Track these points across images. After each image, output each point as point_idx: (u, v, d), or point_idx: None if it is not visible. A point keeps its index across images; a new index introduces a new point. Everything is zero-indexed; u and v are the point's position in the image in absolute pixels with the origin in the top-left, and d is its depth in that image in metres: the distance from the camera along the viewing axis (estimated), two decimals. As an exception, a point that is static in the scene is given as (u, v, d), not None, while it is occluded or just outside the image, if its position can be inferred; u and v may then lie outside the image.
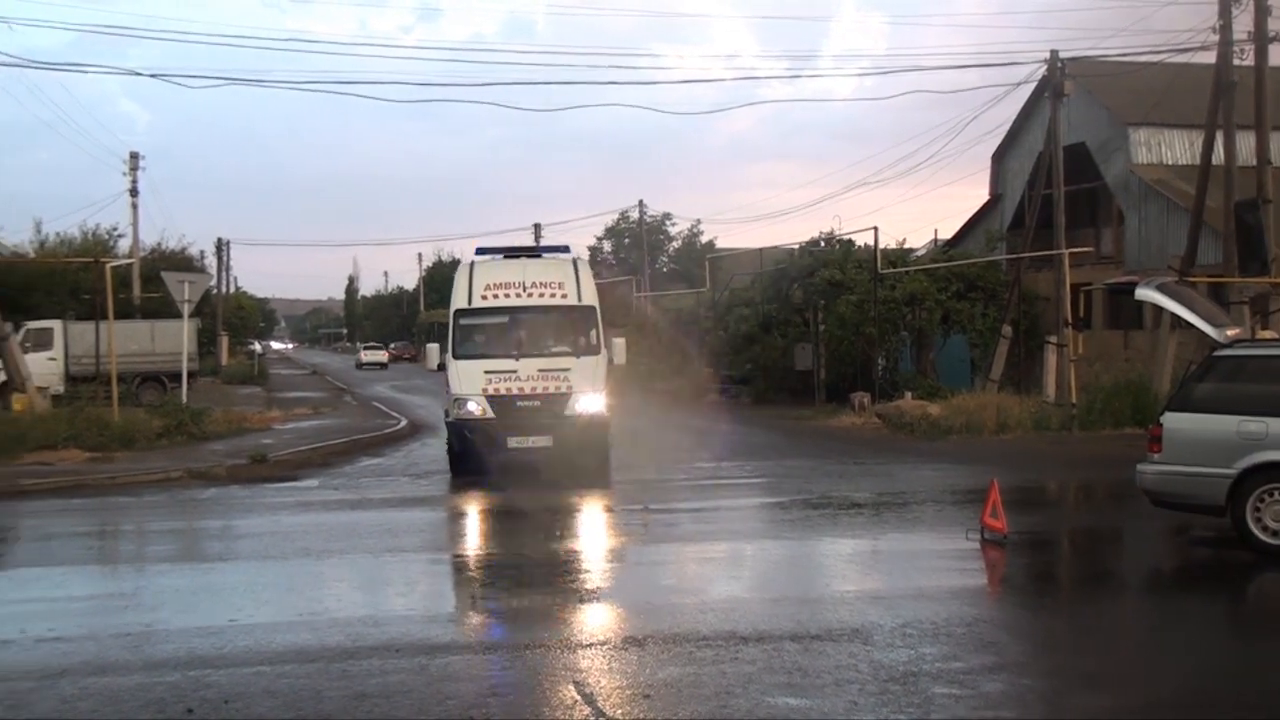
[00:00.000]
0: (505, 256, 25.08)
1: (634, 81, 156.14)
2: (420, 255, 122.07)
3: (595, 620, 11.55)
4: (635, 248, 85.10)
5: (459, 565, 14.68)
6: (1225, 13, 29.68)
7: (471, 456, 22.22)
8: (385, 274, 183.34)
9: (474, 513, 19.45)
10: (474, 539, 16.61)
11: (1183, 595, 13.52)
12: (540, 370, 22.40)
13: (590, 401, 22.42)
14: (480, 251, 25.27)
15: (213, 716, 8.16)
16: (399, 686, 8.91)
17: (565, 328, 23.62)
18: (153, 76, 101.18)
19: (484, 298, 23.33)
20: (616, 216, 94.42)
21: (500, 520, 18.04)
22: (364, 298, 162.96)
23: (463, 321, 23.43)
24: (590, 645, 10.38)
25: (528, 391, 22.22)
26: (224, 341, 70.89)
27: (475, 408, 22.10)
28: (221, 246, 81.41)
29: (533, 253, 26.18)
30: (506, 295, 23.34)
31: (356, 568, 14.14)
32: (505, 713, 8.50)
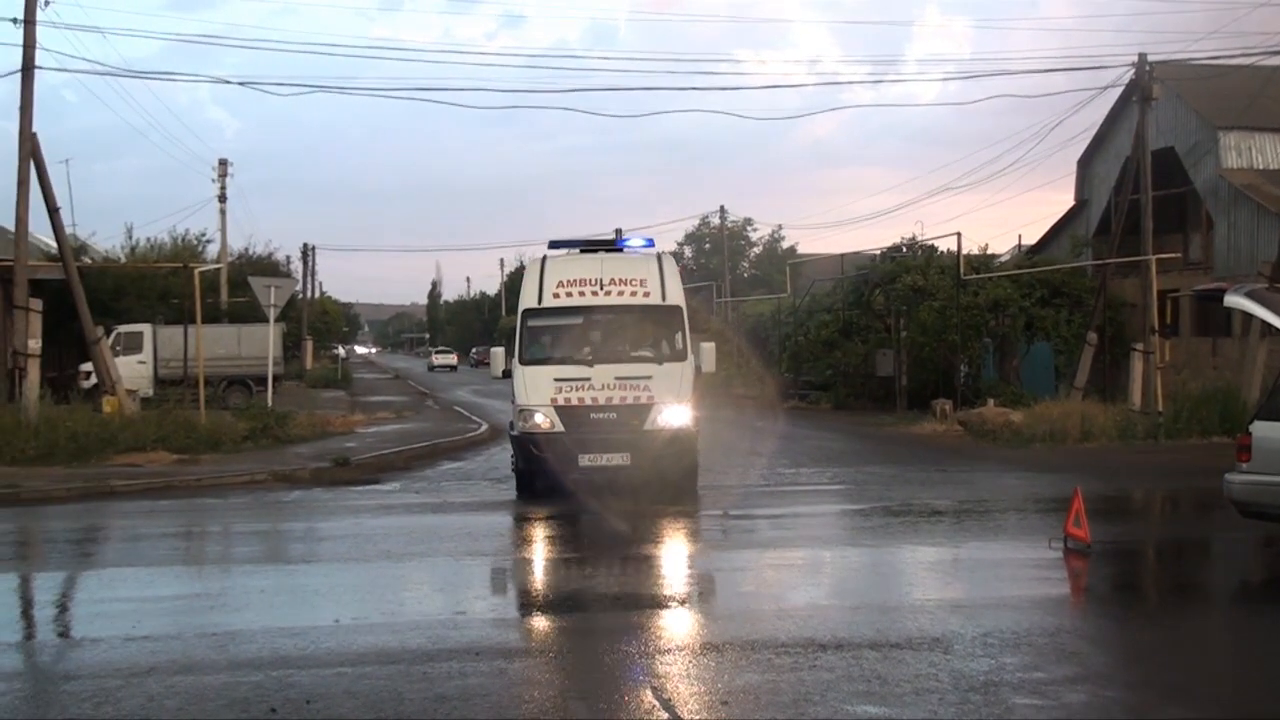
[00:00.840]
0: (581, 251, 21.94)
1: (715, 87, 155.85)
2: (502, 260, 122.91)
3: (673, 626, 11.54)
4: (716, 253, 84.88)
5: (538, 569, 14.71)
6: (1317, 16, 29.27)
7: (539, 475, 19.83)
8: (468, 279, 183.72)
9: (552, 518, 18.88)
10: (552, 544, 16.57)
11: (1273, 608, 13.33)
12: (618, 378, 19.48)
13: (674, 414, 19.45)
14: (554, 245, 22.15)
15: (295, 717, 8.22)
16: (478, 689, 8.95)
17: (647, 330, 20.69)
18: (241, 84, 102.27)
19: (555, 296, 20.42)
20: (698, 222, 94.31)
21: (578, 525, 17.91)
22: (446, 303, 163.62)
23: (531, 323, 20.55)
24: (668, 651, 10.38)
25: (602, 402, 19.35)
26: (308, 346, 71.35)
27: (543, 420, 19.28)
28: (307, 252, 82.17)
29: (612, 247, 22.82)
30: (581, 293, 20.43)
31: (437, 571, 14.22)
32: (583, 717, 8.52)
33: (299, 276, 75.17)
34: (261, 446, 27.43)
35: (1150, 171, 34.45)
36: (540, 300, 20.43)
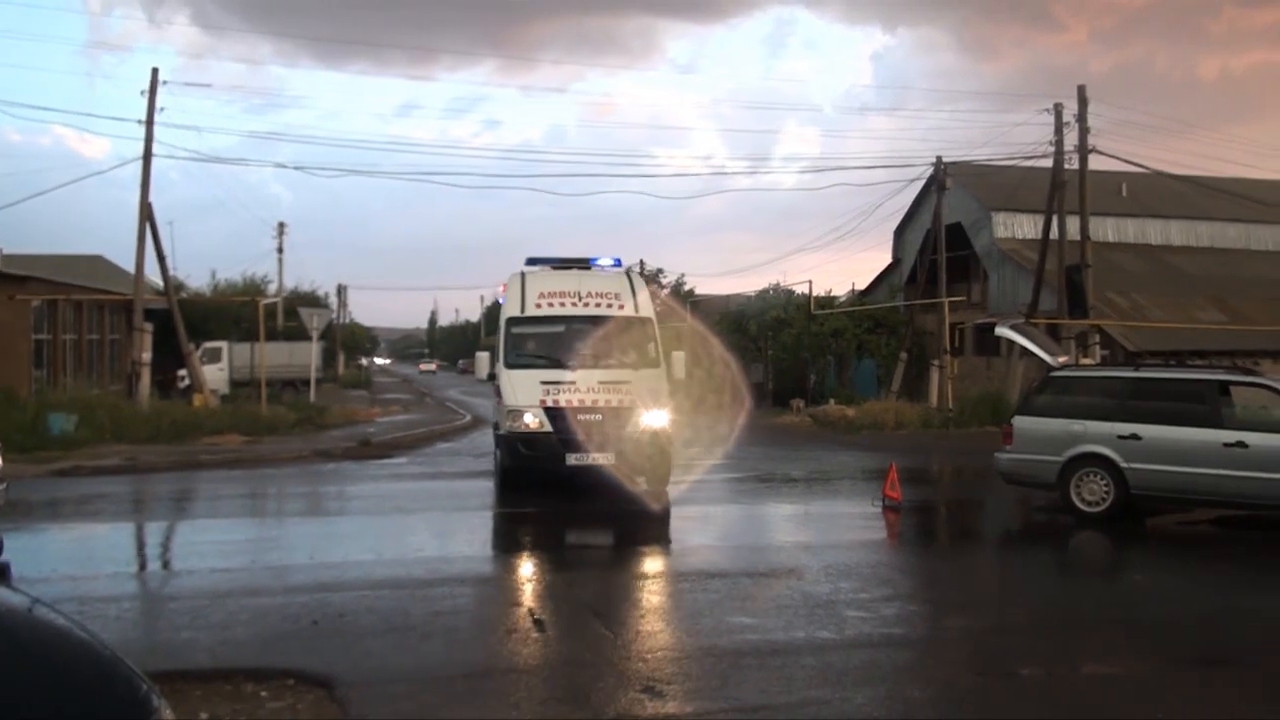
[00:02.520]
0: (555, 267, 17.77)
1: (639, 175, 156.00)
2: (482, 297, 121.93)
3: (608, 558, 11.59)
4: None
5: (509, 519, 14.59)
6: (1058, 131, 29.85)
7: (525, 473, 15.76)
8: (457, 310, 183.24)
9: (523, 483, 18.55)
10: (521, 500, 16.41)
11: (1026, 546, 13.56)
12: (601, 383, 15.61)
13: (655, 417, 15.57)
14: (531, 262, 17.97)
15: (331, 626, 8.18)
16: (464, 607, 8.97)
17: (623, 340, 16.58)
18: (295, 168, 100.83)
19: (538, 306, 16.43)
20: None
21: (543, 486, 17.91)
22: (441, 327, 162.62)
23: (515, 330, 16.40)
24: (602, 577, 10.41)
25: (589, 404, 15.35)
26: (340, 358, 70.89)
27: (532, 420, 15.24)
28: (341, 289, 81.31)
29: (584, 264, 18.32)
30: (561, 304, 16.48)
31: (434, 522, 14.12)
32: (539, 624, 8.54)
33: (334, 307, 74.22)
34: (306, 431, 27.08)
35: (944, 239, 34.93)
36: (524, 310, 16.44)
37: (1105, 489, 13.75)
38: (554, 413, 15.10)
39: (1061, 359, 17.42)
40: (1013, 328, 17.93)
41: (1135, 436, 13.59)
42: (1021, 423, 14.75)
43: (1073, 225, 30.79)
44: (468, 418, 34.07)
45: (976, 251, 42.75)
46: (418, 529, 13.49)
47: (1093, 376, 15.92)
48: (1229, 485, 12.94)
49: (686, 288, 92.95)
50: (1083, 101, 29.63)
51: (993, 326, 19.63)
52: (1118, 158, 31.08)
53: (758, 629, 8.36)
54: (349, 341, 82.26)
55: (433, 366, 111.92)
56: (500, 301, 17.48)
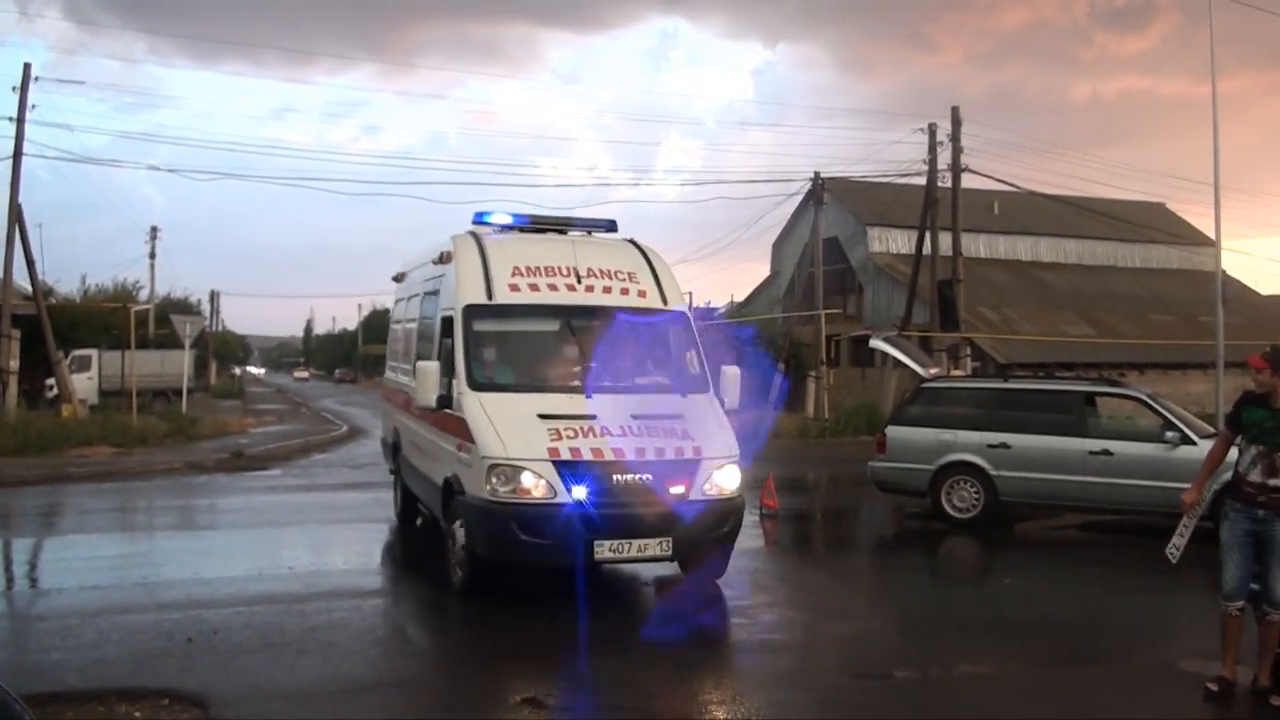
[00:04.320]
0: (525, 229, 11.25)
1: (522, 185, 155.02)
2: (360, 305, 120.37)
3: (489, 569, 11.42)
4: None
5: (384, 533, 14.30)
6: (932, 150, 30.72)
7: (514, 569, 9.25)
8: (334, 318, 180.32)
9: (397, 495, 18.15)
10: (392, 514, 16.13)
11: (900, 552, 13.84)
12: (636, 417, 9.35)
13: (728, 475, 9.46)
14: (483, 220, 11.07)
15: (206, 644, 7.93)
16: (341, 621, 8.71)
17: (653, 347, 10.64)
18: (169, 171, 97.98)
19: (514, 289, 10.13)
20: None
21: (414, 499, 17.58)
22: (317, 335, 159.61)
23: (480, 326, 10.05)
24: (480, 589, 10.27)
25: (630, 456, 9.00)
26: (213, 367, 69.13)
27: (535, 483, 8.87)
28: (214, 296, 79.50)
29: (564, 227, 11.50)
30: (552, 286, 10.21)
31: (309, 535, 13.72)
32: (416, 637, 8.44)
33: (207, 314, 72.61)
34: (178, 442, 26.20)
35: (822, 252, 35.58)
36: (490, 294, 10.04)
37: (975, 496, 14.15)
38: (574, 470, 8.81)
39: (933, 370, 17.92)
40: (886, 340, 18.42)
41: (1005, 445, 14.01)
42: (894, 432, 15.08)
43: (945, 241, 31.69)
44: (344, 428, 33.40)
45: (852, 265, 43.68)
46: (293, 543, 13.16)
47: (963, 388, 16.40)
48: (1095, 491, 13.43)
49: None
50: (956, 122, 30.52)
51: (868, 339, 20.09)
52: (990, 176, 32.16)
53: (645, 635, 8.40)
54: (221, 350, 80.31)
55: (306, 374, 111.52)
56: (428, 284, 11.66)
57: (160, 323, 47.58)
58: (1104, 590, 10.83)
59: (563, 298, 10.20)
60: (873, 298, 41.93)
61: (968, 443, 14.25)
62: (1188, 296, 39.83)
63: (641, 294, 10.49)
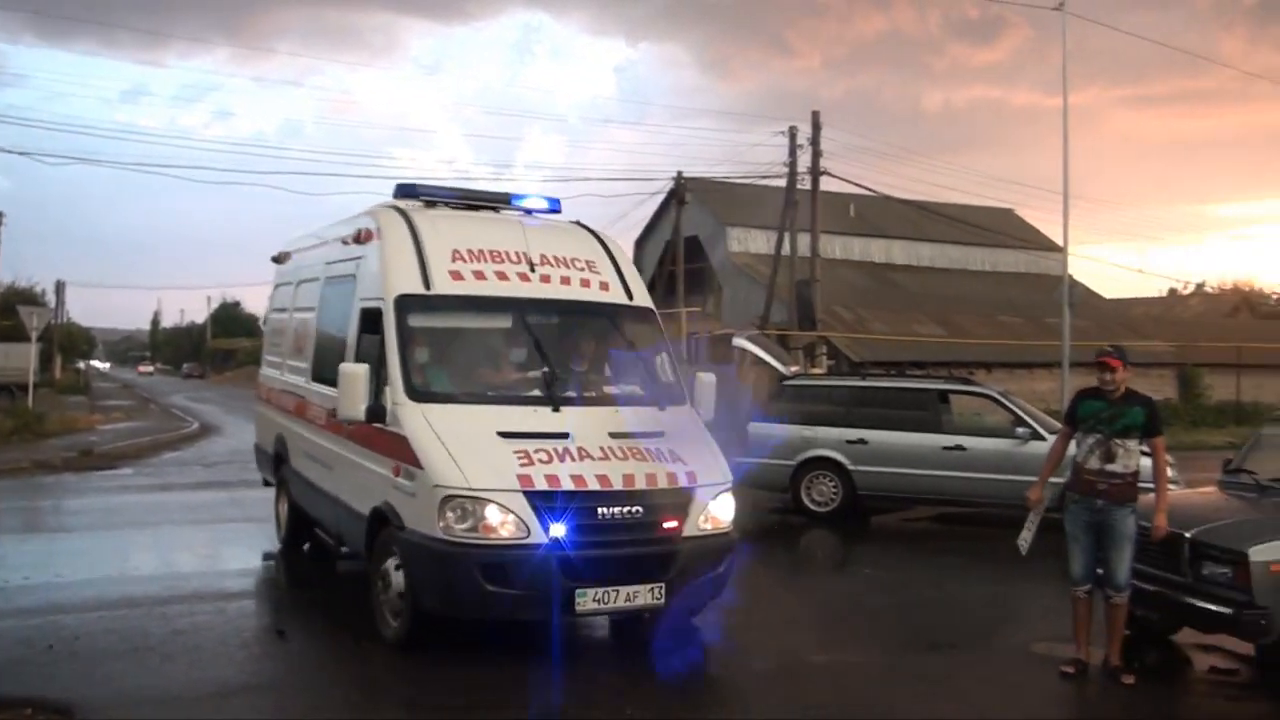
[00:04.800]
0: (456, 205, 9.43)
1: (379, 176, 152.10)
2: (209, 298, 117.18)
3: (350, 566, 11.29)
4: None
5: (240, 534, 13.96)
6: (792, 153, 31.34)
7: (471, 624, 7.58)
8: (182, 311, 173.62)
9: (256, 494, 17.66)
10: (252, 512, 15.72)
11: (760, 546, 14.10)
12: (617, 436, 7.85)
13: (725, 506, 8.18)
14: (407, 192, 9.36)
15: (68, 650, 7.71)
16: (205, 624, 8.55)
17: (620, 348, 9.08)
18: (20, 154, 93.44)
19: (457, 277, 8.43)
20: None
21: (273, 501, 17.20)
22: (164, 329, 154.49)
23: (416, 322, 8.26)
24: (346, 585, 10.12)
25: (617, 485, 7.45)
26: (57, 361, 66.31)
27: (502, 520, 7.21)
28: (60, 286, 76.27)
29: (499, 204, 9.63)
30: (501, 275, 8.60)
31: (167, 536, 13.31)
32: (284, 636, 8.39)
33: (52, 306, 69.56)
34: (25, 440, 25.04)
35: (683, 251, 36.03)
36: (428, 283, 8.34)
37: (834, 490, 14.59)
38: (550, 504, 7.23)
39: (792, 369, 18.36)
40: (748, 338, 18.77)
41: (862, 441, 14.48)
42: (757, 428, 15.42)
43: (804, 242, 32.42)
44: (195, 425, 32.38)
45: (712, 264, 44.28)
46: (150, 544, 12.78)
47: (823, 385, 16.88)
48: (949, 485, 13.99)
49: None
50: (816, 126, 31.23)
51: (727, 337, 20.45)
52: (847, 180, 33.13)
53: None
54: (66, 343, 76.99)
55: (150, 369, 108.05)
56: (335, 267, 9.92)
57: (3, 313, 45.53)
58: (959, 579, 11.32)
59: (515, 289, 8.53)
60: (731, 297, 42.57)
61: (827, 439, 14.68)
62: (1034, 299, 41.53)
63: (604, 286, 9.00)
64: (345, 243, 9.56)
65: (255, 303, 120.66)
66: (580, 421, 7.85)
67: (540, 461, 7.38)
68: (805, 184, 31.57)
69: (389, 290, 8.30)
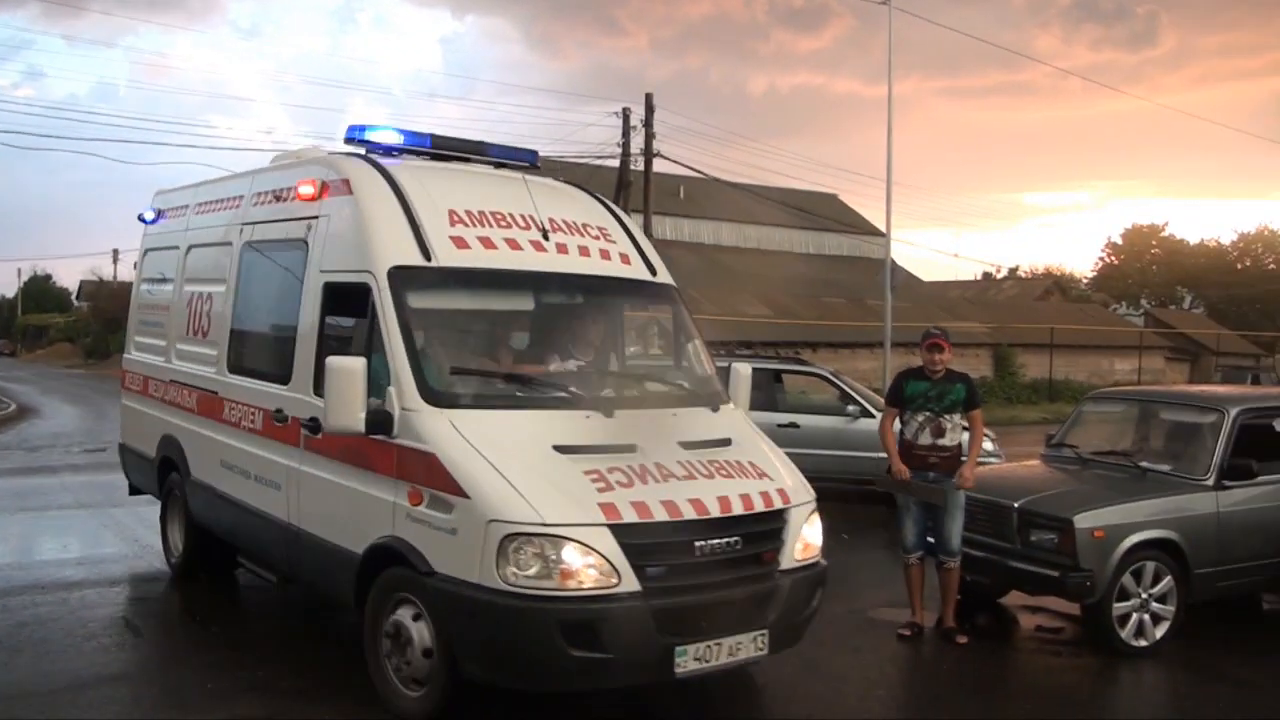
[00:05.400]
0: (432, 154, 7.72)
1: (198, 146, 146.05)
2: (19, 270, 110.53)
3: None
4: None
5: (75, 520, 13.39)
6: (625, 134, 31.69)
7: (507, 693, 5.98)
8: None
9: (86, 479, 15.98)
10: (85, 498, 14.92)
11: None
12: (688, 446, 6.27)
13: (817, 528, 6.65)
14: (360, 138, 7.49)
15: (-100, 648, 7.47)
16: (51, 615, 8.34)
17: (653, 335, 9.24)
18: None
19: (460, 244, 6.65)
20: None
21: (104, 485, 16.52)
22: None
23: (419, 303, 6.41)
24: (200, 578, 9.96)
25: (712, 511, 5.86)
26: None
27: (589, 562, 5.50)
28: None
29: (477, 152, 7.93)
30: (513, 244, 6.84)
31: (-6, 527, 12.77)
32: (135, 629, 8.26)
33: None
34: None
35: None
36: (428, 252, 6.55)
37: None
38: (639, 539, 5.68)
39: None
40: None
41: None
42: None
43: (636, 223, 32.83)
44: (12, 406, 30.44)
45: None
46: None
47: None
48: (783, 462, 14.51)
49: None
50: (649, 109, 31.62)
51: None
52: (678, 162, 33.61)
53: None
54: None
55: None
56: (266, 229, 8.06)
57: None
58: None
59: (531, 261, 6.91)
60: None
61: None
62: (857, 281, 43.08)
63: (624, 259, 7.52)
64: (281, 199, 7.78)
65: (68, 277, 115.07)
66: (640, 428, 6.31)
67: (619, 485, 5.78)
68: (638, 165, 31.97)
69: (378, 261, 6.49)
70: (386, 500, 6.16)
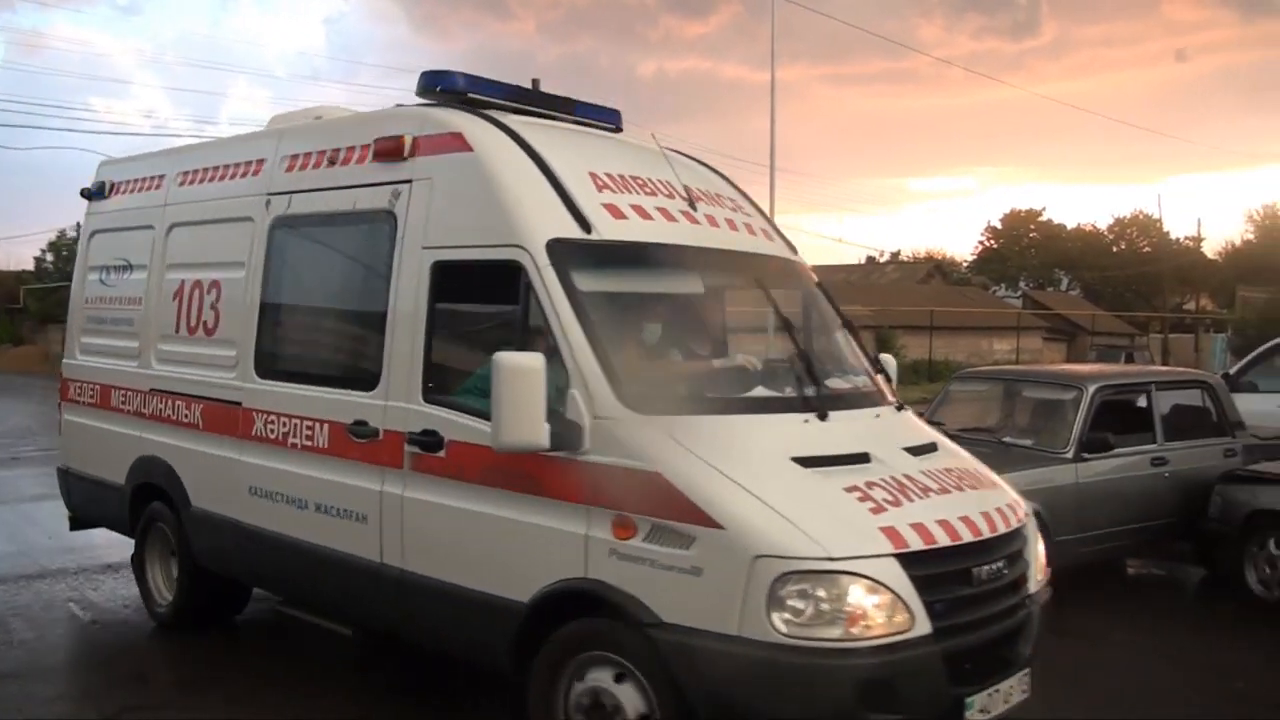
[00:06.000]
0: (519, 106, 6.26)
1: (81, 130, 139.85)
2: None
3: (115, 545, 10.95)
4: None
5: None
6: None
7: None
8: None
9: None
10: None
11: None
12: (914, 452, 5.41)
13: (1040, 543, 5.61)
14: (441, 82, 6.14)
15: None
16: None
17: (809, 324, 6.29)
18: None
19: (615, 213, 5.46)
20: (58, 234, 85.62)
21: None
22: None
23: (587, 285, 5.15)
24: (108, 571, 9.74)
25: (983, 531, 4.97)
26: None
27: (880, 602, 4.42)
28: None
29: (566, 108, 6.62)
30: (666, 215, 5.67)
31: None
32: (38, 625, 8.15)
33: None
34: None
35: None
36: (586, 223, 5.33)
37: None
38: (924, 569, 4.64)
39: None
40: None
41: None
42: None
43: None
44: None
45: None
46: None
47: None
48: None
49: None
50: (536, 95, 31.61)
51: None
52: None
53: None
54: None
55: None
56: (311, 200, 6.66)
57: None
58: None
59: (688, 234, 5.80)
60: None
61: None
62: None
63: (766, 235, 6.52)
64: (338, 161, 6.42)
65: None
66: (863, 434, 5.42)
67: (888, 504, 4.81)
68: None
69: (530, 233, 5.26)
70: (573, 534, 4.92)
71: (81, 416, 8.70)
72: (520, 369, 4.76)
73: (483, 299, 5.66)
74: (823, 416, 5.28)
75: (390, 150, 5.96)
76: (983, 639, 4.85)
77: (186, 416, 7.36)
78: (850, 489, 4.79)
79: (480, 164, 5.56)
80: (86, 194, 8.95)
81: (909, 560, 4.56)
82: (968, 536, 4.88)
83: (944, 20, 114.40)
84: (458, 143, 5.68)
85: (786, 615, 4.35)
